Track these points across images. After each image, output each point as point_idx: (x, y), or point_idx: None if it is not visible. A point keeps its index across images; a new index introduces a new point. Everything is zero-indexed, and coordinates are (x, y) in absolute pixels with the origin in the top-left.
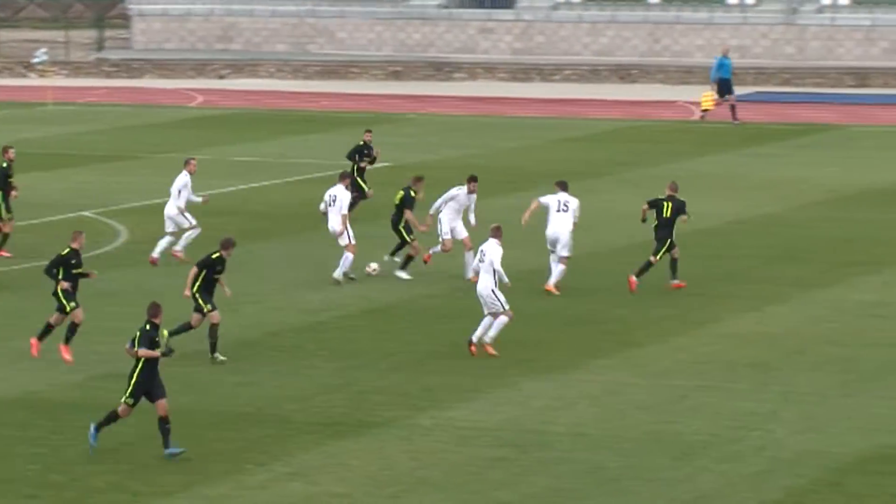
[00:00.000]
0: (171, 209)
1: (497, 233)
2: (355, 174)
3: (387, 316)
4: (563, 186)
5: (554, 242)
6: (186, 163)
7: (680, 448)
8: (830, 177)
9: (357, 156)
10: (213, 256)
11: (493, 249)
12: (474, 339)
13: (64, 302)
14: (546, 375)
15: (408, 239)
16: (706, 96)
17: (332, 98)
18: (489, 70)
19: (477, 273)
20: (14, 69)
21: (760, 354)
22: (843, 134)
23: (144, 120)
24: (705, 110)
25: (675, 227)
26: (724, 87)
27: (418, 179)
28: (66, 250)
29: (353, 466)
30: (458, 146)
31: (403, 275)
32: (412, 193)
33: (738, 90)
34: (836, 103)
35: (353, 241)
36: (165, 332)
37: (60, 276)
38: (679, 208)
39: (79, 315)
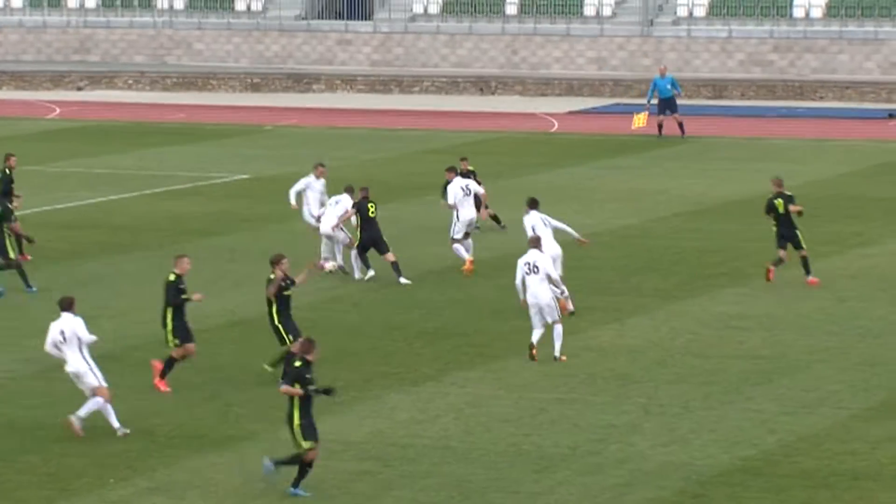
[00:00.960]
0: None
1: (537, 243)
2: None
3: (250, 329)
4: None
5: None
6: (315, 167)
7: (541, 461)
8: (689, 188)
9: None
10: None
11: (542, 258)
12: (535, 341)
13: (171, 337)
14: (410, 388)
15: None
16: (638, 117)
17: (190, 110)
18: (348, 82)
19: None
20: None
21: (621, 366)
22: (701, 145)
23: (2, 132)
24: (638, 127)
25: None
26: (665, 106)
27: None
28: (174, 276)
29: (218, 481)
30: (317, 158)
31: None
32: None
33: (597, 101)
34: (693, 115)
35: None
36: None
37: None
38: (790, 200)
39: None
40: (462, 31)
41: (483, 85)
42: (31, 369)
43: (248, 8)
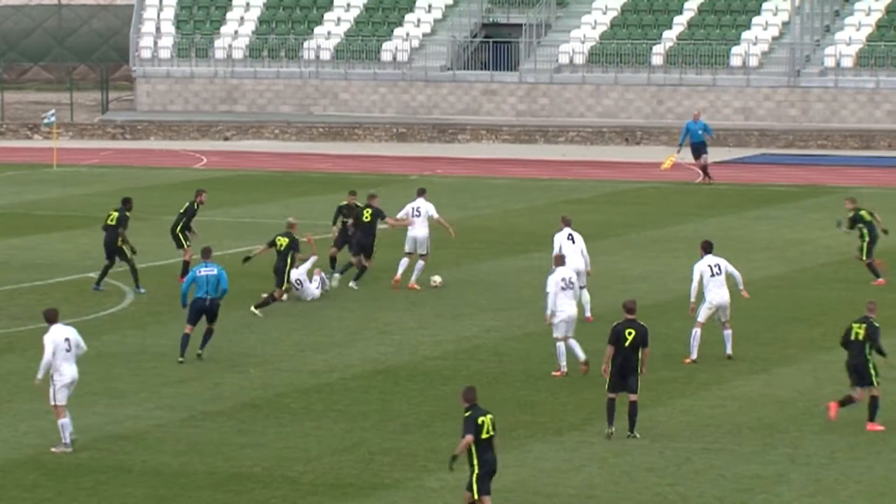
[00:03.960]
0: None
1: (710, 246)
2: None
3: (393, 377)
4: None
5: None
6: (421, 192)
7: None
8: (835, 239)
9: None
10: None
11: (725, 262)
12: (729, 351)
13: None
14: (554, 437)
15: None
16: (667, 159)
17: (336, 159)
18: (493, 132)
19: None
20: (19, 131)
21: (767, 416)
22: (848, 196)
23: (149, 181)
24: (666, 169)
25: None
26: (697, 150)
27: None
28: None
29: None
30: (463, 207)
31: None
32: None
33: (743, 152)
34: (840, 165)
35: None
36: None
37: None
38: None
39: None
40: (607, 81)
41: (628, 135)
42: (177, 416)
43: (394, 59)
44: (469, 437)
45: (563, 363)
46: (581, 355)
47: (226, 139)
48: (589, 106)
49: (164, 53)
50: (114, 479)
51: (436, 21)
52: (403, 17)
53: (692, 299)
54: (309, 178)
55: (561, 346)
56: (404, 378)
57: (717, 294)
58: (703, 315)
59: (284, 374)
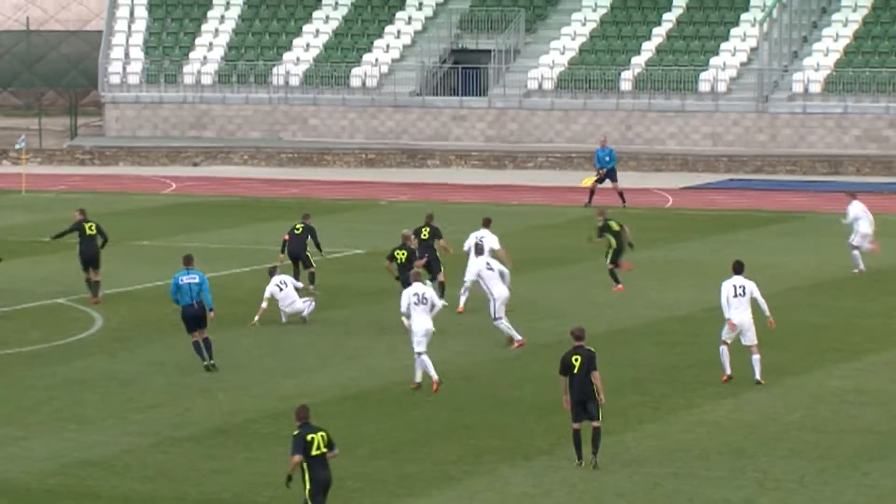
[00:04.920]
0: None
1: (741, 267)
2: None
3: (362, 402)
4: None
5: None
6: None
7: None
8: (805, 263)
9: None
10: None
11: (749, 283)
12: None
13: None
14: (523, 462)
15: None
16: (586, 180)
17: (304, 185)
18: (462, 157)
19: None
20: None
21: (736, 441)
22: (816, 221)
23: (119, 207)
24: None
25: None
26: (606, 176)
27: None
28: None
29: None
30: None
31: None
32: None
33: (712, 177)
34: (809, 191)
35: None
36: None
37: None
38: None
39: None
40: (576, 106)
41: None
42: (145, 442)
43: (363, 84)
44: (296, 458)
45: (418, 375)
46: (432, 373)
47: (195, 165)
48: (558, 131)
49: (133, 79)
50: None
51: (405, 47)
52: (373, 42)
53: (727, 316)
54: (278, 204)
55: (417, 359)
56: (373, 403)
57: (738, 315)
58: (725, 334)
59: (254, 399)
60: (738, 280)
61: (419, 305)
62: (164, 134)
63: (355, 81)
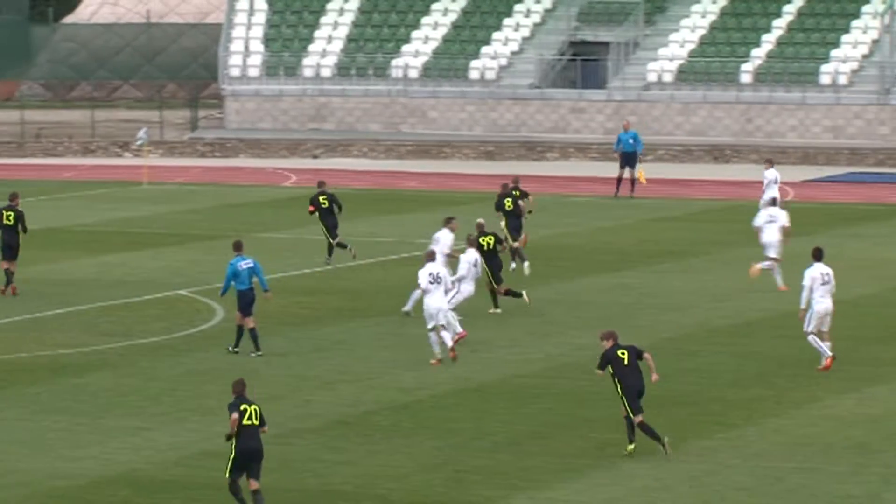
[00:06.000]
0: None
1: (821, 253)
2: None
3: (483, 395)
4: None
5: None
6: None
7: None
8: None
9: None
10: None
11: (832, 272)
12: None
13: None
14: (645, 456)
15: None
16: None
17: (423, 177)
18: (581, 150)
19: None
20: (109, 149)
21: (860, 436)
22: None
23: (239, 199)
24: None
25: None
26: (626, 161)
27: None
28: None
29: None
30: (550, 225)
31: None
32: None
33: (833, 170)
34: None
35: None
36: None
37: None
38: None
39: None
40: (696, 99)
41: (717, 153)
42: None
43: (482, 77)
44: (234, 416)
45: (437, 351)
46: (449, 343)
47: (314, 157)
48: (677, 124)
49: (253, 72)
50: (205, 496)
51: (523, 39)
52: (491, 35)
53: (802, 306)
54: (397, 196)
55: (433, 335)
56: (494, 396)
57: (823, 302)
58: (812, 324)
59: (374, 391)
60: (822, 268)
61: (433, 284)
62: (284, 126)
63: (474, 74)
